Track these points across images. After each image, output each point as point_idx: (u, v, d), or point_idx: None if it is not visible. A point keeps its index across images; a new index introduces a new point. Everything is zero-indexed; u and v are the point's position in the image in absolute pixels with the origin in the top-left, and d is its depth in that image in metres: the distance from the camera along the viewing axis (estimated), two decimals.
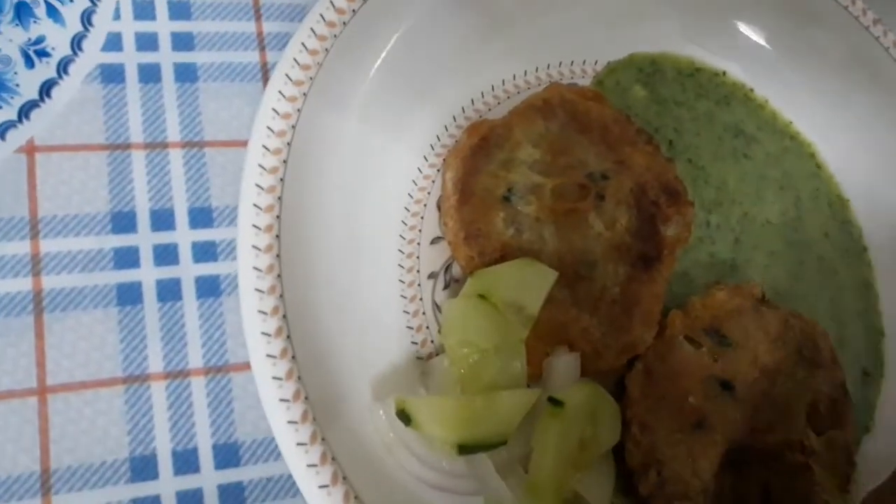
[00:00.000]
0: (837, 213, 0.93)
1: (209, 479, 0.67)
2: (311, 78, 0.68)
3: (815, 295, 0.88)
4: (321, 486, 0.59)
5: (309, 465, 0.59)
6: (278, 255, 0.63)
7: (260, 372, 0.60)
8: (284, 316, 0.62)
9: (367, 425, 0.64)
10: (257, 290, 0.61)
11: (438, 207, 0.78)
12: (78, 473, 0.64)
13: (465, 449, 0.65)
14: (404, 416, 0.64)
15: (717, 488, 0.70)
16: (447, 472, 0.66)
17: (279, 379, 0.60)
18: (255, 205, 0.63)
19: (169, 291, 0.71)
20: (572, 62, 0.90)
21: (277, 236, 0.63)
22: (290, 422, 0.59)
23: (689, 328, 0.76)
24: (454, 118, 0.82)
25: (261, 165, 0.64)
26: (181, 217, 0.72)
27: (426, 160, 0.79)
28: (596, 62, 0.92)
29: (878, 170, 0.93)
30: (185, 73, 0.76)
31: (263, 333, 0.60)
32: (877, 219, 0.93)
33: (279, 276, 0.63)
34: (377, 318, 0.70)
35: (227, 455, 0.68)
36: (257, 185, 0.63)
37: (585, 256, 0.75)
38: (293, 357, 0.61)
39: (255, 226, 0.62)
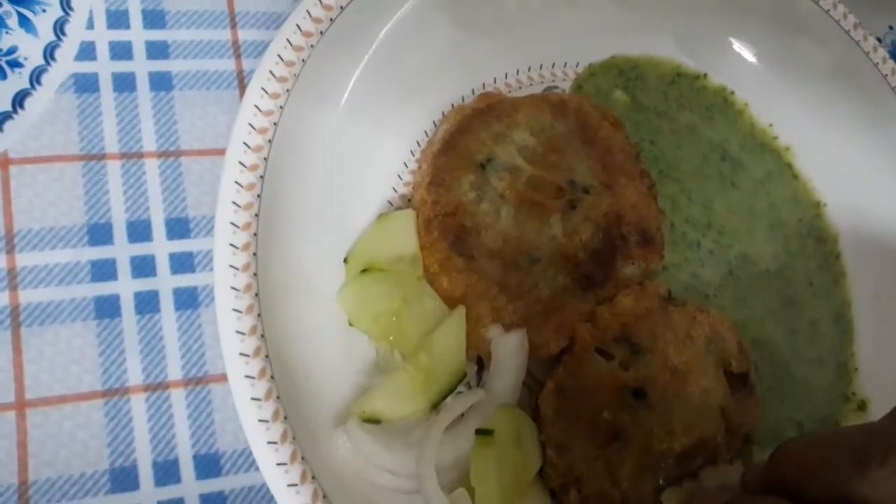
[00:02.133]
0: (813, 230, 0.93)
1: (190, 489, 0.68)
2: (287, 90, 0.68)
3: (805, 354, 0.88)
4: None
5: (290, 485, 0.59)
6: (255, 274, 0.63)
7: (239, 393, 0.60)
8: (262, 336, 0.62)
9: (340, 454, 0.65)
10: (235, 309, 0.61)
11: None
12: (57, 485, 0.65)
13: (436, 403, 0.67)
14: (371, 420, 0.65)
15: (637, 495, 0.71)
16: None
17: (258, 399, 0.60)
18: (231, 222, 0.63)
19: (147, 303, 0.71)
20: (553, 64, 0.90)
21: (255, 254, 0.63)
22: (269, 442, 0.60)
23: (599, 339, 0.75)
24: (434, 123, 0.81)
25: (237, 182, 0.64)
26: (158, 228, 0.72)
27: (400, 179, 0.79)
28: (577, 64, 0.92)
29: (857, 173, 0.94)
30: (161, 82, 0.75)
31: (242, 354, 0.61)
32: (851, 223, 0.94)
33: (257, 294, 0.63)
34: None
35: (208, 465, 0.69)
36: (234, 203, 0.63)
37: (531, 250, 0.75)
38: (272, 377, 0.61)
39: (232, 244, 0.62)
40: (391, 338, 0.69)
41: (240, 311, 0.61)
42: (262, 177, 0.65)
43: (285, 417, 0.61)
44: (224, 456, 0.69)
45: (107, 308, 0.69)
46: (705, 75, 0.96)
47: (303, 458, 0.61)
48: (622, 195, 0.81)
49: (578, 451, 0.70)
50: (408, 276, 0.71)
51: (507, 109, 0.81)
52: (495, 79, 0.87)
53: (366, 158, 0.77)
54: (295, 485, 0.60)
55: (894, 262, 0.91)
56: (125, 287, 0.70)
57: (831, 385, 0.87)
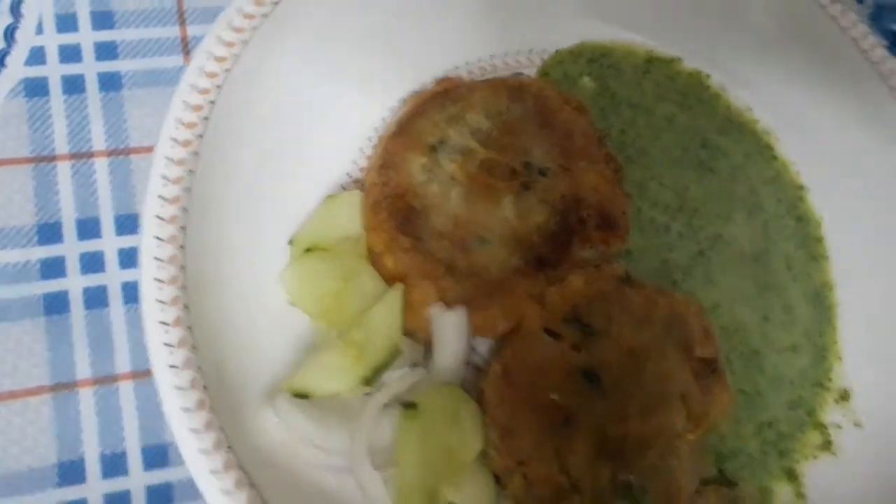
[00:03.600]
0: (793, 209, 0.90)
1: (137, 480, 0.69)
2: (218, 86, 0.69)
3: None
4: (223, 491, 0.60)
5: (212, 472, 0.60)
6: (183, 267, 0.64)
7: (162, 381, 0.61)
8: (190, 327, 0.63)
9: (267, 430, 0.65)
10: (159, 300, 0.62)
11: None
12: (4, 481, 0.67)
13: (369, 380, 0.67)
14: (301, 394, 0.66)
15: (594, 482, 0.69)
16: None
17: (182, 389, 0.61)
18: (157, 216, 0.64)
19: (96, 298, 0.72)
20: (518, 51, 0.90)
21: (182, 246, 0.65)
22: (192, 430, 0.61)
23: (547, 320, 0.73)
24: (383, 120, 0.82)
25: (164, 176, 0.65)
26: (107, 225, 0.74)
27: (356, 165, 0.80)
28: (545, 51, 0.91)
29: (841, 156, 0.91)
30: (110, 82, 0.77)
31: (166, 344, 0.62)
32: (836, 207, 0.91)
33: (184, 286, 0.64)
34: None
35: (156, 456, 0.70)
36: (160, 197, 0.65)
37: (481, 232, 0.75)
38: (199, 367, 0.62)
39: (157, 237, 0.64)
40: (330, 316, 0.70)
41: (164, 302, 0.63)
42: (191, 171, 0.66)
43: (211, 407, 0.62)
44: (172, 446, 0.70)
45: (56, 304, 0.71)
46: (679, 59, 0.94)
47: (229, 448, 0.62)
48: (582, 178, 0.80)
49: (523, 435, 0.69)
50: (350, 255, 0.72)
51: (464, 93, 0.81)
52: (462, 65, 0.87)
53: (319, 147, 0.78)
54: (217, 472, 0.60)
55: (881, 246, 0.88)
56: (74, 283, 0.72)
57: (804, 371, 0.84)
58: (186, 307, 0.63)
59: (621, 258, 0.82)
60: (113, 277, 0.73)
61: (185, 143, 0.66)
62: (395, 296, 0.70)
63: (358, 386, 0.67)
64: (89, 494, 0.68)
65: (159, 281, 0.63)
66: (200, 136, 0.67)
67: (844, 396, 0.83)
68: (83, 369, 0.71)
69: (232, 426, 0.63)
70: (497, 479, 0.69)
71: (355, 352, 0.67)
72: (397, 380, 0.69)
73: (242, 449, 0.62)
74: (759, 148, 0.91)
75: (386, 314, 0.69)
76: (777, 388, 0.82)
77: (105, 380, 0.71)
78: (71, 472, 0.68)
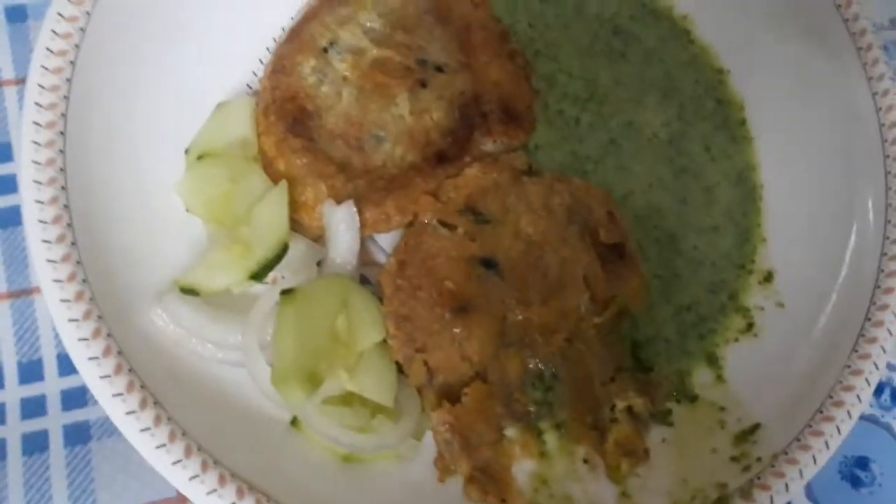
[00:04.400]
0: (712, 91, 0.88)
1: (53, 385, 0.74)
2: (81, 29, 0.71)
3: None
4: (115, 395, 0.64)
5: (102, 377, 0.64)
6: (63, 188, 0.67)
7: (48, 295, 0.65)
8: (73, 243, 0.66)
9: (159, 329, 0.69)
10: (40, 220, 0.66)
11: None
12: None
13: (258, 274, 0.70)
14: (190, 291, 0.69)
15: (499, 371, 0.71)
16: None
17: (67, 301, 0.65)
18: (33, 141, 0.67)
19: (8, 219, 0.79)
20: None
21: (62, 169, 0.68)
22: (80, 339, 0.65)
23: (442, 211, 0.74)
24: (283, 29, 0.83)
25: (38, 104, 0.68)
26: None
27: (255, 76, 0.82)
28: None
29: (761, 39, 0.89)
30: None
31: (49, 261, 0.65)
32: (758, 89, 0.89)
33: (66, 206, 0.67)
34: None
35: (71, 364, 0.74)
36: (35, 123, 0.67)
37: (374, 130, 0.76)
38: (84, 280, 0.66)
39: (35, 161, 0.67)
40: (221, 218, 0.73)
41: (45, 222, 0.66)
42: (66, 97, 0.69)
43: (99, 316, 0.66)
44: None
45: None
46: None
47: (119, 353, 0.66)
48: (483, 74, 0.81)
49: (419, 323, 0.72)
50: (238, 158, 0.74)
51: None
52: None
53: (217, 59, 0.80)
54: (108, 376, 0.64)
55: (805, 127, 0.86)
56: None
57: (727, 254, 0.84)
58: (70, 225, 0.67)
59: (529, 153, 0.82)
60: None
61: (57, 70, 0.69)
62: (279, 192, 0.72)
63: (246, 281, 0.71)
64: (8, 399, 0.73)
65: (39, 202, 0.66)
66: (72, 62, 0.70)
67: (768, 278, 0.83)
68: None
69: (123, 333, 0.67)
70: (400, 369, 0.72)
71: (241, 248, 0.70)
72: (290, 275, 0.72)
73: (134, 353, 0.66)
74: (675, 33, 0.89)
75: (271, 210, 0.72)
76: (696, 270, 0.83)
77: (20, 293, 0.76)
78: None
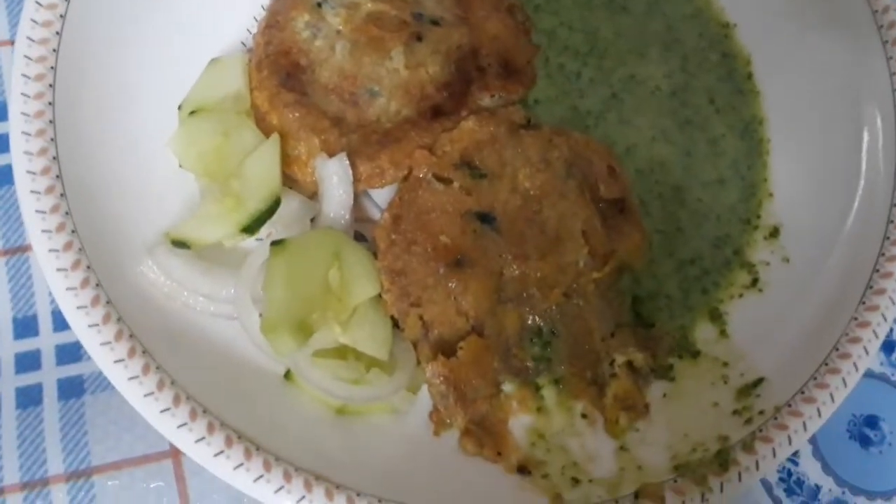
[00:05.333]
0: (717, 45, 0.86)
1: (48, 340, 0.74)
2: None
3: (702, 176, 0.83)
4: (103, 343, 0.64)
5: (90, 326, 0.64)
6: (53, 140, 0.67)
7: (37, 246, 0.65)
8: (63, 195, 0.66)
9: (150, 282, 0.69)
10: (29, 171, 0.66)
11: None
12: None
13: (250, 228, 0.70)
14: (181, 244, 0.69)
15: (496, 326, 0.70)
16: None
17: (56, 251, 0.65)
18: (22, 93, 0.67)
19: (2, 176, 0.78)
20: None
21: (52, 121, 0.68)
22: (69, 288, 0.65)
23: (437, 165, 0.73)
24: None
25: (27, 56, 0.68)
26: None
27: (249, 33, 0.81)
28: None
29: None
30: None
31: (38, 212, 0.66)
32: (765, 43, 0.87)
33: (55, 158, 0.67)
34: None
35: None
36: (24, 76, 0.67)
37: (368, 84, 0.75)
38: (73, 231, 0.66)
39: (23, 113, 0.67)
40: (212, 172, 0.72)
41: (34, 173, 0.66)
42: (55, 50, 0.69)
43: (88, 267, 0.66)
44: None
45: None
46: None
47: (108, 303, 0.66)
48: (481, 28, 0.80)
49: (414, 277, 0.71)
50: (230, 112, 0.74)
51: None
52: None
53: (211, 17, 0.80)
54: (97, 325, 0.64)
55: (813, 82, 0.84)
56: None
57: (732, 208, 0.82)
58: (59, 177, 0.67)
59: (528, 108, 0.81)
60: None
61: (47, 24, 0.69)
62: (271, 145, 0.72)
63: (238, 234, 0.70)
64: (3, 354, 0.73)
65: (28, 154, 0.66)
66: (62, 16, 0.70)
67: (774, 233, 0.81)
68: None
69: (113, 284, 0.67)
70: (396, 324, 0.71)
71: (232, 201, 0.70)
72: (283, 231, 0.72)
73: (124, 304, 0.66)
74: None
75: (263, 163, 0.71)
76: (701, 223, 0.81)
77: (15, 250, 0.76)
78: None
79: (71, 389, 0.73)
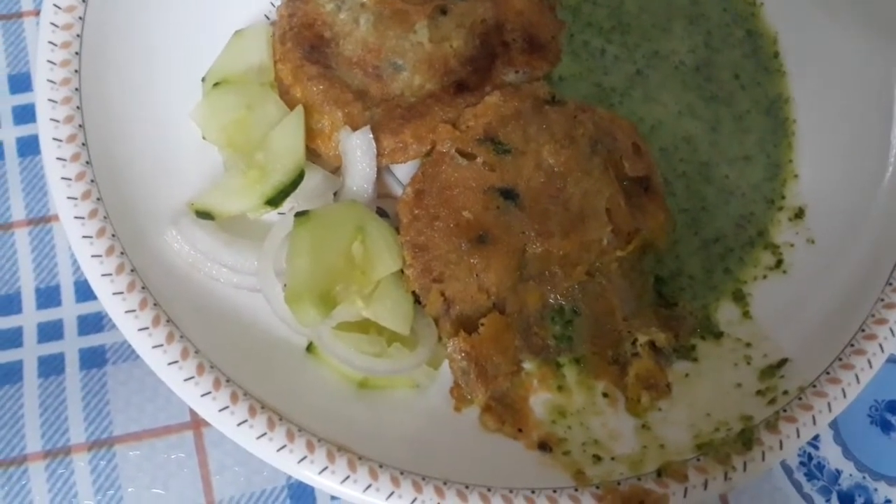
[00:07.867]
0: (743, 22, 0.85)
1: (70, 310, 0.74)
2: None
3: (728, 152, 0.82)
4: (128, 311, 0.64)
5: (115, 293, 0.64)
6: (79, 108, 0.67)
7: (62, 213, 0.65)
8: (88, 163, 0.67)
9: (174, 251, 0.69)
10: (55, 139, 0.66)
11: None
12: None
13: (274, 200, 0.70)
14: (205, 214, 0.69)
15: (518, 303, 0.70)
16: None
17: (81, 218, 0.65)
18: (49, 61, 0.67)
19: (28, 147, 0.79)
20: None
21: (77, 89, 0.68)
22: (94, 255, 0.65)
23: (461, 140, 0.73)
24: None
25: (53, 24, 0.68)
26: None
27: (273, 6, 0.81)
28: None
29: None
30: None
31: (63, 179, 0.66)
32: (792, 22, 0.85)
33: (81, 126, 0.67)
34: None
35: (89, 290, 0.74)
36: (50, 42, 0.67)
37: (392, 58, 0.75)
38: (98, 199, 0.66)
39: (50, 80, 0.67)
40: (236, 144, 0.72)
41: (60, 140, 0.67)
42: (81, 18, 0.69)
43: (113, 234, 0.66)
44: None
45: None
46: None
47: (132, 271, 0.66)
48: (506, 2, 0.79)
49: (436, 253, 0.70)
50: (254, 84, 0.73)
51: None
52: None
53: None
54: (121, 293, 0.65)
55: (839, 65, 0.83)
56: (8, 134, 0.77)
57: (757, 186, 0.81)
58: (84, 144, 0.67)
59: (553, 85, 0.80)
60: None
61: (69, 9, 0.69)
62: (296, 117, 0.72)
63: (262, 206, 0.70)
64: (25, 322, 0.73)
65: (54, 121, 0.66)
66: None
67: (799, 214, 0.80)
68: (18, 212, 0.76)
69: (137, 253, 0.67)
70: (417, 299, 0.71)
71: (257, 172, 0.70)
72: (306, 204, 0.71)
73: (149, 273, 0.66)
74: None
75: (287, 135, 0.71)
76: (727, 200, 0.81)
77: (39, 220, 0.76)
78: (7, 305, 0.74)
79: (93, 359, 0.73)
